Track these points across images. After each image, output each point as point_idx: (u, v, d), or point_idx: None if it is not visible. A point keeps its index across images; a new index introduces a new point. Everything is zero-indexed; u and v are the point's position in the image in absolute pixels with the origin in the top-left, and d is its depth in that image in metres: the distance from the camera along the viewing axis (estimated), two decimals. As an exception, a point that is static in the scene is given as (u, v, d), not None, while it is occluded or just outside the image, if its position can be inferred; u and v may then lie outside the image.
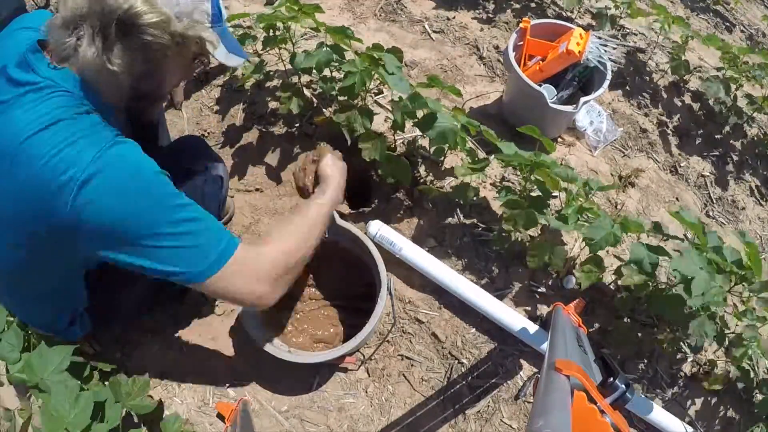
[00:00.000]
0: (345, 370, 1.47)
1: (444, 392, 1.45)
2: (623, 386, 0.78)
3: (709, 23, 2.81)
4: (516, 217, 1.43)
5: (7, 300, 1.18)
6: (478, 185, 1.69)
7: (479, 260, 1.60)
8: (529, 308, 1.54)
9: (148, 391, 1.21)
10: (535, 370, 1.48)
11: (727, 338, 1.36)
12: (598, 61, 1.78)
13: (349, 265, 1.53)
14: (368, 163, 1.55)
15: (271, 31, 1.65)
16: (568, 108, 1.72)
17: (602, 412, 0.66)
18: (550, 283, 1.57)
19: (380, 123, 1.80)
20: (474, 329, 1.52)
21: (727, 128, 2.16)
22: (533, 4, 2.42)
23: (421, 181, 1.70)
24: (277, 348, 1.31)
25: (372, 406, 1.42)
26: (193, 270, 0.89)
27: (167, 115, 1.84)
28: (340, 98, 1.65)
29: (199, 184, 1.31)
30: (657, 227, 1.42)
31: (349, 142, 1.58)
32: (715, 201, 2.02)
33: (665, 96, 2.21)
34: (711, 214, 1.98)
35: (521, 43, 1.87)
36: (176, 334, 1.48)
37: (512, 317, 1.45)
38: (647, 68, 2.26)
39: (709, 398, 1.51)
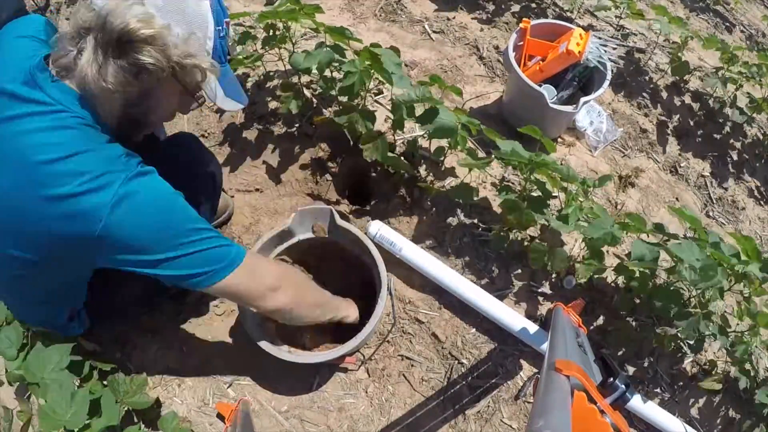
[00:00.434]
0: (345, 370, 1.47)
1: (444, 392, 1.45)
2: (623, 386, 0.78)
3: (708, 23, 2.81)
4: (516, 216, 1.43)
5: (6, 299, 1.18)
6: (478, 185, 1.69)
7: (479, 260, 1.60)
8: (529, 308, 1.54)
9: (145, 389, 1.21)
10: (535, 370, 1.48)
11: (727, 338, 1.36)
12: (598, 62, 1.78)
13: (349, 265, 1.53)
14: (368, 162, 1.55)
15: (271, 30, 1.66)
16: (568, 108, 1.72)
17: (602, 412, 0.66)
18: (550, 283, 1.57)
19: (380, 123, 1.80)
20: (474, 329, 1.52)
21: (727, 128, 2.16)
22: (533, 5, 2.42)
23: (421, 180, 1.70)
24: (277, 348, 1.31)
25: (372, 406, 1.42)
26: (211, 269, 0.96)
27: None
28: (340, 98, 1.65)
29: (192, 181, 1.30)
30: (658, 227, 1.42)
31: (351, 143, 1.58)
32: (715, 201, 2.02)
33: (665, 96, 2.21)
34: (711, 214, 1.98)
35: (521, 43, 1.87)
36: (176, 334, 1.48)
37: (512, 317, 1.45)
38: (647, 68, 2.26)
39: (709, 398, 1.51)
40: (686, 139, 2.13)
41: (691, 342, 1.40)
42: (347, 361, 1.40)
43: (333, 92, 1.63)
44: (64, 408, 1.04)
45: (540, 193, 1.45)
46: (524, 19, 1.90)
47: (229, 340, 1.49)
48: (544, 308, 1.54)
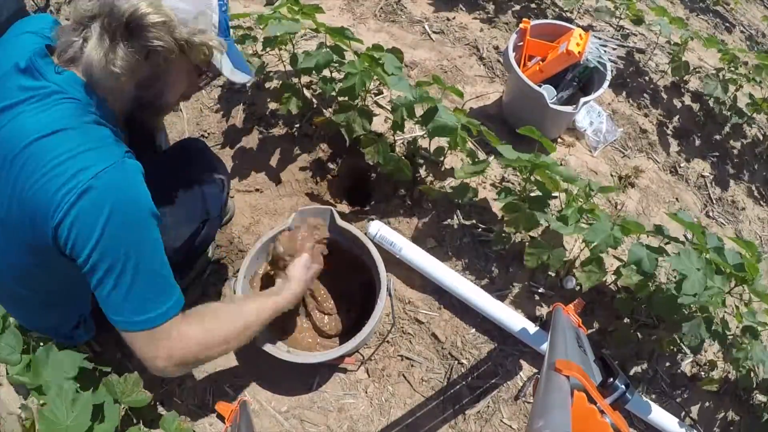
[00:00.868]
0: (345, 370, 1.47)
1: (444, 392, 1.45)
2: (623, 386, 0.78)
3: (708, 24, 2.82)
4: (516, 218, 1.43)
5: (9, 305, 1.18)
6: (478, 186, 1.69)
7: (479, 261, 1.60)
8: (529, 308, 1.54)
9: (140, 386, 1.21)
10: (535, 370, 1.48)
11: (726, 340, 1.36)
12: (598, 62, 1.78)
13: (349, 265, 1.53)
14: (368, 163, 1.55)
15: (271, 31, 1.65)
16: (568, 108, 1.72)
17: (602, 412, 0.66)
18: (550, 283, 1.57)
19: (380, 123, 1.80)
20: (474, 329, 1.52)
21: (726, 129, 2.16)
22: (533, 5, 2.42)
23: (421, 181, 1.70)
24: (276, 348, 1.31)
25: (372, 406, 1.42)
26: (122, 318, 0.89)
27: (167, 117, 1.84)
28: (340, 99, 1.66)
29: (201, 186, 1.31)
30: (659, 230, 1.42)
31: (347, 143, 1.58)
32: (715, 201, 2.02)
33: (665, 96, 2.21)
34: (711, 214, 1.98)
35: (521, 43, 1.87)
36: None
37: (512, 317, 1.45)
38: (647, 69, 2.26)
39: (709, 399, 1.51)
40: (686, 139, 2.13)
41: (687, 342, 1.40)
42: (347, 361, 1.40)
43: (333, 93, 1.63)
44: (65, 413, 1.04)
45: (540, 193, 1.45)
46: (524, 19, 1.91)
47: (229, 340, 1.48)
48: (543, 308, 1.54)
